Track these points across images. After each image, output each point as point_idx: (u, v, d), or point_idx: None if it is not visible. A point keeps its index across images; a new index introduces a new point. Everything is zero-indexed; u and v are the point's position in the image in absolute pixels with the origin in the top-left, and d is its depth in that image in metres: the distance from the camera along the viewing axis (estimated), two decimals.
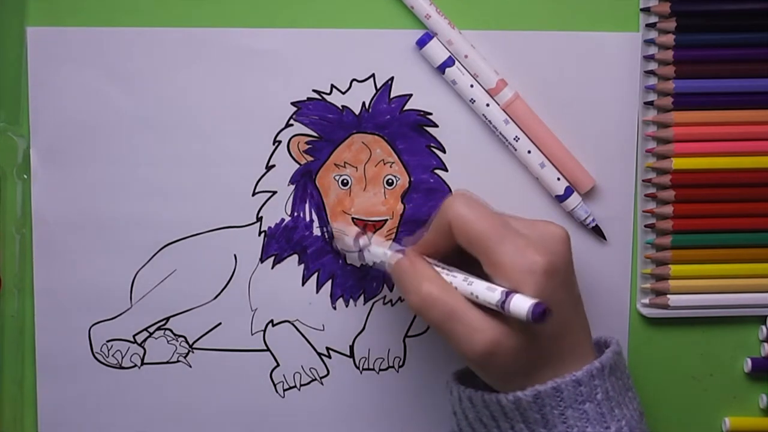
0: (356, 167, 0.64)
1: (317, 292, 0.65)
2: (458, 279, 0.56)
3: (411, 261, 0.58)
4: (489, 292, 0.54)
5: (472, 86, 0.63)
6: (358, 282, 0.65)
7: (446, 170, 0.65)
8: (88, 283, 0.64)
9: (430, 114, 0.64)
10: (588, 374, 0.56)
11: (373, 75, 0.64)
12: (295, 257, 0.65)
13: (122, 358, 0.65)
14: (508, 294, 0.53)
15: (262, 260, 0.65)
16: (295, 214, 0.65)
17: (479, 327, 0.54)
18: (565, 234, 0.57)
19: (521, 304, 0.52)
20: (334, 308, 0.66)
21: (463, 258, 0.57)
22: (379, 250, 0.61)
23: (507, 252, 0.55)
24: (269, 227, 0.65)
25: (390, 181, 0.65)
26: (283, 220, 0.64)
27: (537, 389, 0.55)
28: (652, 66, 0.64)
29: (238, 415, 0.66)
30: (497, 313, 0.54)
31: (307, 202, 0.64)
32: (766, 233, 0.65)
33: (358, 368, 0.66)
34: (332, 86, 0.64)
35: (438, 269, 0.57)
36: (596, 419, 0.55)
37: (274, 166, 0.64)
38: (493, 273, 0.55)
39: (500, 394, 0.56)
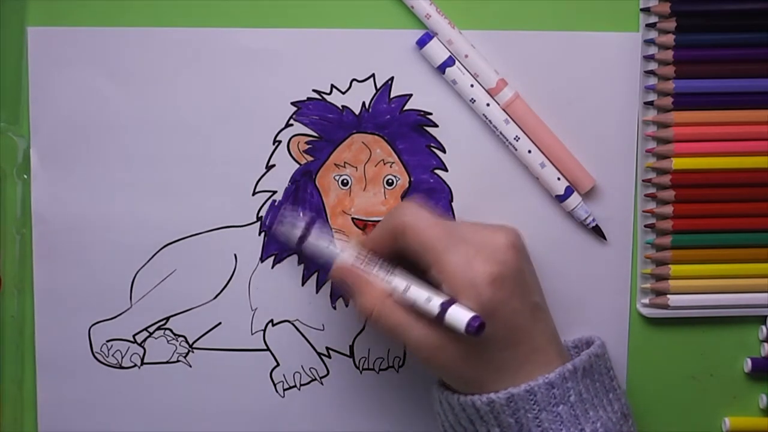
0: (356, 167, 0.64)
1: (317, 292, 0.65)
2: (398, 285, 0.56)
3: (349, 269, 0.58)
4: (426, 304, 0.55)
5: (472, 86, 0.63)
6: None
7: (446, 170, 0.65)
8: (88, 283, 0.64)
9: (430, 114, 0.64)
10: (560, 376, 0.56)
11: (373, 75, 0.64)
12: (295, 257, 0.65)
13: (122, 358, 0.65)
14: (444, 307, 0.54)
15: (262, 260, 0.65)
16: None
17: (421, 338, 0.55)
18: (513, 240, 0.57)
19: (458, 318, 0.53)
20: (334, 308, 0.66)
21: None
22: (323, 243, 0.60)
23: (453, 262, 0.55)
24: (269, 227, 0.65)
25: (390, 181, 0.65)
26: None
27: (510, 392, 0.55)
28: (652, 66, 0.64)
29: (238, 415, 0.66)
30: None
31: (307, 202, 0.64)
32: (766, 233, 0.65)
33: (358, 368, 0.66)
34: (332, 86, 0.64)
35: (379, 272, 0.57)
36: (570, 421, 0.55)
37: (274, 165, 0.64)
38: (440, 280, 0.55)
39: (474, 396, 0.56)
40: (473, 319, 0.53)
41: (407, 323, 0.56)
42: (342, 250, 0.59)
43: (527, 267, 0.58)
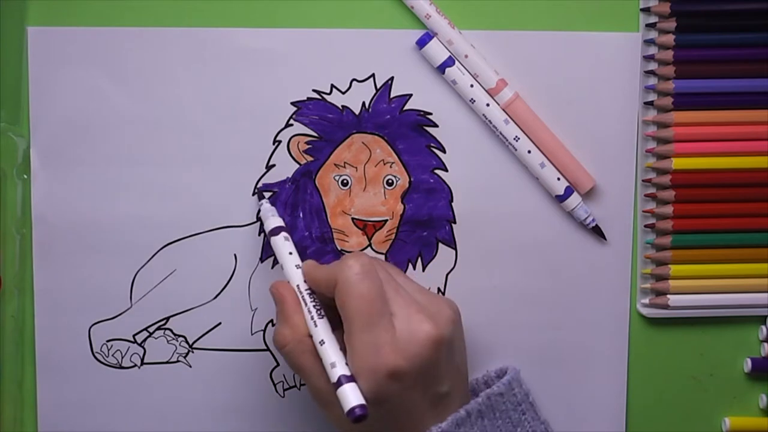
0: (356, 167, 0.64)
1: None
2: (316, 335, 0.57)
3: (283, 295, 0.59)
4: (329, 368, 0.56)
5: (472, 86, 0.63)
6: None
7: (446, 170, 0.65)
8: (88, 283, 0.64)
9: (430, 114, 0.64)
10: (453, 423, 0.57)
11: (373, 75, 0.64)
12: None
13: (122, 358, 0.65)
14: (340, 382, 0.55)
15: (262, 260, 0.65)
16: (295, 214, 0.64)
17: (318, 389, 0.57)
18: (438, 335, 0.56)
19: (346, 398, 0.54)
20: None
21: None
22: (283, 251, 0.61)
23: (364, 342, 0.55)
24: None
25: (390, 181, 0.65)
26: (282, 220, 0.64)
27: None
28: (652, 66, 0.64)
29: (238, 415, 0.66)
30: None
31: (307, 202, 0.64)
32: (766, 233, 0.65)
33: None
34: (332, 86, 0.64)
35: (311, 310, 0.58)
36: None
37: (274, 166, 0.64)
38: (347, 349, 0.56)
39: None
40: (358, 407, 0.54)
41: (312, 370, 0.57)
42: (296, 266, 0.60)
43: (445, 357, 0.57)
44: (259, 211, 0.64)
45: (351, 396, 0.54)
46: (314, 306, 0.58)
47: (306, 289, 0.59)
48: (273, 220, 0.62)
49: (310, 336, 0.57)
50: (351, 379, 0.55)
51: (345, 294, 0.56)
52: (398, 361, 0.55)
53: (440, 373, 0.57)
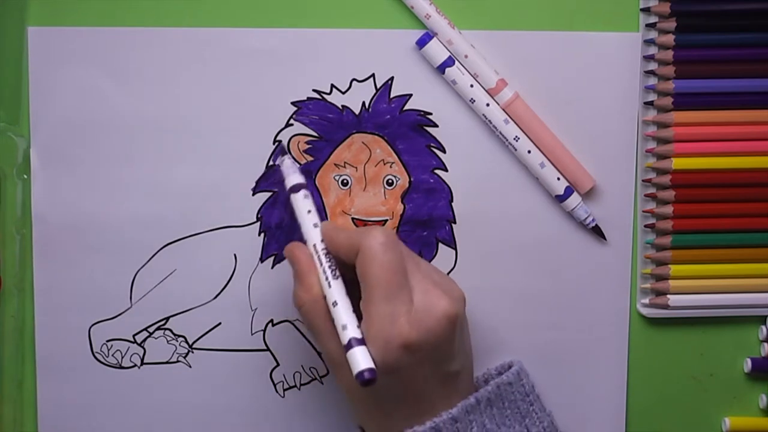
0: (356, 167, 0.64)
1: None
2: (330, 296, 0.57)
3: (299, 256, 0.59)
4: (341, 330, 0.55)
5: (472, 86, 0.63)
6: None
7: (446, 170, 0.65)
8: (88, 283, 0.64)
9: (430, 114, 0.64)
10: (462, 410, 0.57)
11: (373, 75, 0.64)
12: None
13: (122, 358, 0.65)
14: (351, 344, 0.55)
15: (262, 260, 0.65)
16: None
17: (332, 351, 0.56)
18: (452, 312, 0.56)
19: (356, 361, 0.54)
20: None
21: None
22: (302, 208, 0.60)
23: (380, 311, 0.55)
24: (269, 227, 0.65)
25: (390, 181, 0.65)
26: (283, 219, 0.64)
27: (416, 430, 0.56)
28: (652, 66, 0.64)
29: (238, 415, 0.66)
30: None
31: None
32: (766, 233, 0.65)
33: None
34: (332, 86, 0.64)
35: (326, 271, 0.57)
36: None
37: (274, 165, 0.64)
38: (363, 316, 0.56)
39: None
40: (367, 371, 0.53)
41: (326, 332, 0.57)
42: (314, 225, 0.59)
43: (458, 336, 0.57)
44: (274, 166, 0.63)
45: (360, 359, 0.54)
46: (329, 266, 0.58)
47: (322, 249, 0.58)
48: (294, 176, 0.61)
49: (325, 297, 0.57)
50: (361, 342, 0.55)
51: (368, 262, 0.56)
52: (413, 333, 0.55)
53: (452, 350, 0.57)
